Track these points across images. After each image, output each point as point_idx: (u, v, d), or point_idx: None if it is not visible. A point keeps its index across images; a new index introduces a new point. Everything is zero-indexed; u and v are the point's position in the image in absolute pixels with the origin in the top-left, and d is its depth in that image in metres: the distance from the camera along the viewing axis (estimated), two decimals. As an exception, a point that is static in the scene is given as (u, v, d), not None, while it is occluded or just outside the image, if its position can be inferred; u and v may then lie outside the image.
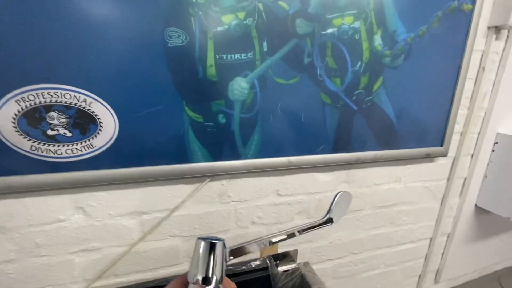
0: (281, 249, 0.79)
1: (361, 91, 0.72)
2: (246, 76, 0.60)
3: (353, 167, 0.83)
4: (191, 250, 0.71)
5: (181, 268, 0.72)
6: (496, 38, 0.87)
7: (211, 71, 0.57)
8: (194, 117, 0.59)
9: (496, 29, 0.86)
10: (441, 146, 0.89)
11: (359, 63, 0.69)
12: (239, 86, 0.60)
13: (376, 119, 0.76)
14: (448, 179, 1.01)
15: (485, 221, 1.16)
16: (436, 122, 0.86)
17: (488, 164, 1.04)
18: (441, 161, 0.97)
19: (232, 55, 0.58)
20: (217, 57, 0.57)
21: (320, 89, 0.68)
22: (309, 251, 0.87)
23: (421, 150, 0.87)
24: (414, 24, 0.72)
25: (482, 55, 0.88)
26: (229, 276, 0.61)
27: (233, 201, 0.72)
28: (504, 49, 0.91)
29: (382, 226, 0.96)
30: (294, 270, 0.62)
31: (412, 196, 0.97)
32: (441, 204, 1.05)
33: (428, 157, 0.89)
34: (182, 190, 0.65)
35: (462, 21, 0.78)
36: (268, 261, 0.64)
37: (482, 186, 1.06)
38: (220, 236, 0.72)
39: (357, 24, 0.66)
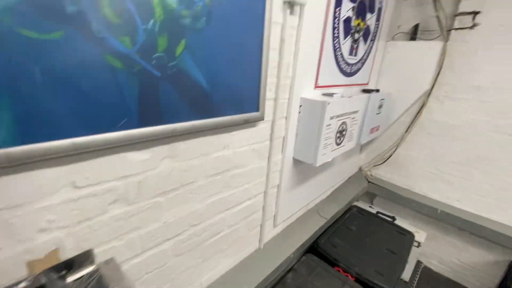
0: (68, 253, 0.64)
1: (161, 54, 0.64)
2: None
3: (174, 140, 0.77)
4: None
5: None
6: (291, 13, 1.01)
7: None
8: None
9: (289, 4, 0.98)
10: (258, 111, 0.99)
11: (152, 20, 0.60)
12: None
13: (187, 87, 0.72)
14: (270, 139, 1.16)
15: (301, 168, 1.46)
16: (250, 89, 0.93)
17: (297, 124, 1.27)
18: (261, 125, 1.08)
19: None
20: None
21: (102, 49, 0.55)
22: (138, 239, 0.78)
23: (240, 116, 0.92)
24: (209, -16, 0.69)
25: (281, 28, 1.00)
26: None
27: (-7, 211, 0.51)
28: (298, 24, 1.07)
29: (218, 192, 1.00)
30: (91, 274, 0.51)
31: (242, 159, 1.05)
32: (268, 162, 1.20)
33: (247, 123, 0.97)
34: None
35: (258, -8, 0.83)
36: (45, 276, 0.50)
37: (295, 142, 1.30)
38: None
39: (139, -29, 0.55)
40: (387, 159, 2.20)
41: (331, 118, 1.21)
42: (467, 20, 1.70)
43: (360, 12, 1.41)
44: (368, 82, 1.85)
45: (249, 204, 1.19)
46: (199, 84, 0.75)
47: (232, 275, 1.20)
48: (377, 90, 1.82)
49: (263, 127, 1.09)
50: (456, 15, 1.73)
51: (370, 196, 2.41)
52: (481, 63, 1.69)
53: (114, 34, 0.56)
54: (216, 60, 0.77)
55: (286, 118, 1.21)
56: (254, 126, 1.04)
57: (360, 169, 2.38)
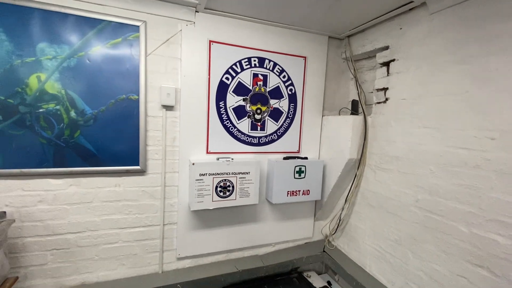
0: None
1: (66, 137, 1.48)
2: (-12, 131, 1.35)
3: (77, 176, 1.54)
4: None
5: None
6: (168, 110, 1.70)
7: (-33, 129, 1.31)
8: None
9: (165, 107, 1.68)
10: (139, 166, 1.64)
11: (62, 124, 1.47)
12: (-16, 135, 1.34)
13: (81, 151, 1.51)
14: (163, 186, 1.73)
15: (213, 216, 1.86)
16: (130, 153, 1.62)
17: (189, 178, 1.78)
18: (150, 175, 1.70)
19: (-22, 122, 1.33)
20: (-30, 123, 1.31)
21: (39, 136, 1.43)
22: (51, 226, 1.52)
23: (122, 168, 1.61)
24: (95, 105, 1.52)
25: (162, 119, 1.69)
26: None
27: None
28: (179, 116, 1.73)
29: (111, 214, 1.64)
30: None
31: (132, 195, 1.67)
32: (162, 202, 1.75)
33: (130, 172, 1.63)
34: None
35: (134, 103, 1.60)
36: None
37: (189, 192, 1.79)
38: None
39: (58, 107, 1.45)
40: (337, 228, 2.12)
41: (202, 174, 1.67)
42: (381, 95, 1.81)
43: (256, 101, 1.91)
44: (299, 150, 2.11)
45: (143, 230, 1.73)
46: (90, 150, 1.53)
47: (127, 281, 1.69)
48: (304, 158, 2.05)
49: (152, 177, 1.71)
50: (375, 91, 1.88)
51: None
52: (395, 134, 1.69)
53: (43, 130, 1.44)
54: (101, 138, 1.55)
55: (178, 172, 1.77)
56: (143, 175, 1.68)
57: (326, 236, 2.32)
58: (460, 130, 1.33)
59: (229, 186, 1.77)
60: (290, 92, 2.02)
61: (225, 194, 1.76)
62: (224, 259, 1.99)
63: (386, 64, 1.78)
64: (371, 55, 1.96)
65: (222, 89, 1.81)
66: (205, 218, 1.87)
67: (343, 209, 2.05)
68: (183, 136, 1.75)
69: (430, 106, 1.47)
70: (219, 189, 1.74)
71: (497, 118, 1.18)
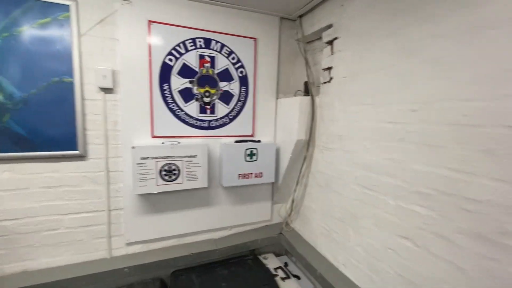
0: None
1: (-7, 121, 1.43)
2: None
3: (10, 162, 1.50)
4: None
5: None
6: (107, 93, 1.66)
7: None
8: None
9: (104, 89, 1.64)
10: (77, 151, 1.61)
11: (-12, 108, 1.42)
12: None
13: (13, 136, 1.47)
14: (105, 171, 1.71)
15: (150, 199, 1.84)
16: (66, 137, 1.58)
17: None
18: (93, 160, 1.67)
19: None
20: None
21: (-37, 120, 1.39)
22: (-15, 213, 1.49)
23: (59, 153, 1.57)
24: (25, 89, 1.47)
25: (102, 102, 1.65)
26: None
27: None
28: (121, 99, 1.69)
29: (51, 200, 1.61)
30: None
31: (73, 181, 1.65)
32: (107, 188, 1.72)
33: (66, 157, 1.60)
34: None
35: (68, 86, 1.55)
36: None
37: (132, 176, 1.76)
38: None
39: (-18, 90, 1.40)
40: (291, 211, 2.14)
41: (144, 158, 1.65)
42: (327, 75, 1.80)
43: (204, 83, 1.87)
44: (253, 134, 2.10)
45: (87, 216, 1.70)
46: (21, 135, 1.49)
47: (72, 268, 1.67)
48: (257, 141, 2.04)
49: (94, 162, 1.68)
50: (322, 71, 1.86)
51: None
52: (338, 112, 1.69)
53: (-30, 114, 1.39)
54: (34, 123, 1.50)
55: (122, 157, 1.74)
56: (83, 160, 1.65)
57: (284, 219, 2.33)
58: (389, 105, 1.33)
59: (174, 169, 1.75)
60: (240, 75, 1.99)
61: (171, 177, 1.75)
62: (177, 243, 1.99)
63: (331, 42, 1.76)
64: (320, 35, 1.94)
65: (166, 71, 1.77)
66: (154, 203, 1.85)
67: (295, 191, 2.06)
68: (125, 119, 1.71)
69: (365, 82, 1.47)
70: (163, 172, 1.72)
71: (418, 89, 1.18)
